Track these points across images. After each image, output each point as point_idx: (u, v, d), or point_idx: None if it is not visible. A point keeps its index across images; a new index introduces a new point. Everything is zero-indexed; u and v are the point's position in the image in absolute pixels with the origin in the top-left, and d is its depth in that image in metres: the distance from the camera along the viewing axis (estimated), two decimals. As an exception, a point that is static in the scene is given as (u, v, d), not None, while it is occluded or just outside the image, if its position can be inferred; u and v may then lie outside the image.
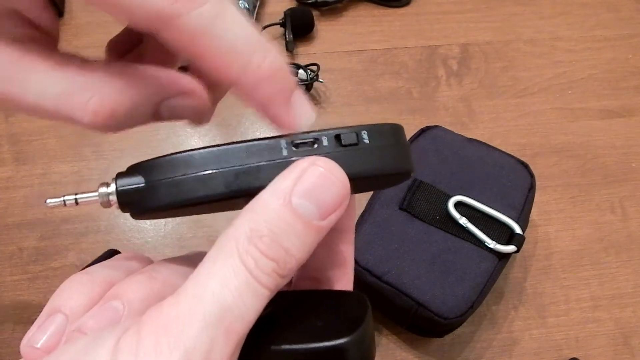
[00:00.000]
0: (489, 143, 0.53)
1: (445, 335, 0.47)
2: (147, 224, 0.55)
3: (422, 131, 0.54)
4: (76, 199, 0.19)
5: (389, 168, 0.18)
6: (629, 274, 0.55)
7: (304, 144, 0.17)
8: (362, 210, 0.50)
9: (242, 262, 0.15)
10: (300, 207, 0.16)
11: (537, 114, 0.66)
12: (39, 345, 0.18)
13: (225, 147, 0.17)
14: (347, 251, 0.22)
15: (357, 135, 0.18)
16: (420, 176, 0.50)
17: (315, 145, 0.17)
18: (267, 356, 0.17)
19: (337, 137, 0.18)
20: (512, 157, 0.52)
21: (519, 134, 0.64)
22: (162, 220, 0.55)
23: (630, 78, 0.70)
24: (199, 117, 0.20)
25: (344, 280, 0.21)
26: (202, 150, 0.17)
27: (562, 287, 0.54)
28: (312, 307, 0.20)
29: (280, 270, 0.16)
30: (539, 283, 0.54)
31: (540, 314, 0.52)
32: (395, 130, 0.19)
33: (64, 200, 0.19)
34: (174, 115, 0.19)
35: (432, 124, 0.55)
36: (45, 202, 0.19)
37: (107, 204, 0.19)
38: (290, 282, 0.22)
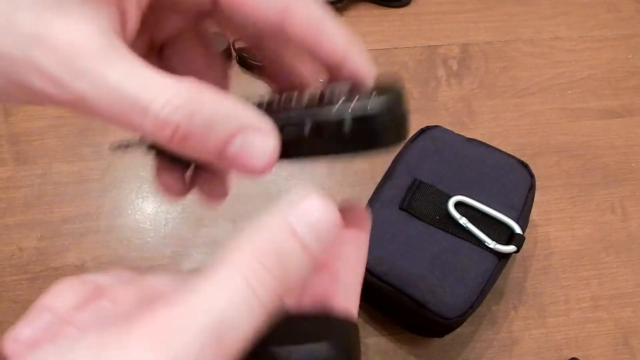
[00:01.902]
0: (489, 143, 0.53)
1: (445, 335, 0.47)
2: (147, 224, 0.55)
3: (422, 131, 0.54)
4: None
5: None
6: (629, 274, 0.55)
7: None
8: (362, 210, 0.50)
9: (244, 277, 0.16)
10: (303, 235, 0.17)
11: (537, 114, 0.66)
12: (23, 339, 0.18)
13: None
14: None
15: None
16: (420, 176, 0.50)
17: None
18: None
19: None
20: (512, 157, 0.52)
21: (519, 134, 0.64)
22: (162, 221, 0.55)
23: (630, 78, 0.70)
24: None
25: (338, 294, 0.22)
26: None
27: (562, 287, 0.54)
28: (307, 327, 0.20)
29: (281, 291, 0.16)
30: (539, 283, 0.54)
31: (540, 314, 0.52)
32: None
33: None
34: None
35: (432, 124, 0.55)
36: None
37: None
38: None
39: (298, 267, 0.17)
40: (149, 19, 0.21)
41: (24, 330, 0.18)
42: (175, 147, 0.17)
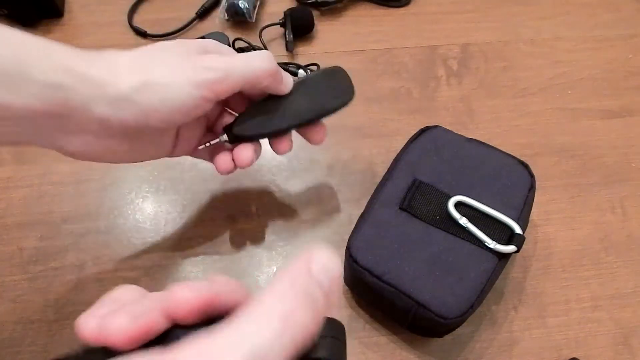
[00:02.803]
0: (489, 143, 0.53)
1: (445, 335, 0.47)
2: (146, 224, 0.55)
3: (422, 131, 0.54)
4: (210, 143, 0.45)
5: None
6: (629, 274, 0.55)
7: None
8: (362, 210, 0.50)
9: (277, 315, 0.19)
10: (319, 276, 0.21)
11: (537, 114, 0.66)
12: (97, 315, 0.22)
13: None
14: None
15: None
16: (420, 176, 0.50)
17: None
18: None
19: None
20: (512, 157, 0.52)
21: (519, 134, 0.64)
22: (162, 221, 0.55)
23: (630, 78, 0.70)
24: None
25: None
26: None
27: (562, 287, 0.54)
28: None
29: (306, 323, 0.19)
30: (539, 283, 0.54)
31: (540, 314, 0.52)
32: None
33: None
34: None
35: (432, 124, 0.55)
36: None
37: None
38: None
39: (317, 302, 0.20)
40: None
41: (97, 311, 0.22)
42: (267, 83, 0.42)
